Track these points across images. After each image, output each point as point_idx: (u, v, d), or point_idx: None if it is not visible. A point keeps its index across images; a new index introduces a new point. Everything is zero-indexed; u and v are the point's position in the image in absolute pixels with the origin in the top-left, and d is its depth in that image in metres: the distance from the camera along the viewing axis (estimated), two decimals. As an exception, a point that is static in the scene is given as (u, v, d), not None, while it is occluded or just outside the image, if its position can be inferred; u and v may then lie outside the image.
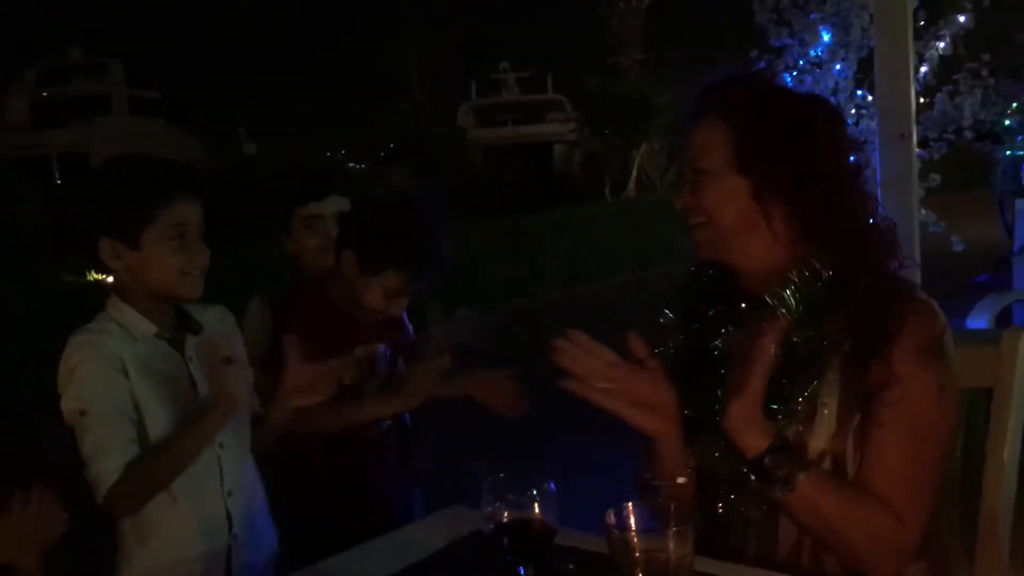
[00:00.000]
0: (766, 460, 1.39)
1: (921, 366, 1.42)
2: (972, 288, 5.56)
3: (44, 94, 24.54)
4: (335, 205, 2.44)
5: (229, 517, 1.84)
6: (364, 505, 2.22)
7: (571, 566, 1.37)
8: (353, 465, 2.25)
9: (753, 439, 1.40)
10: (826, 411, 1.45)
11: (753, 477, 1.42)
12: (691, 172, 1.56)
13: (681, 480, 1.46)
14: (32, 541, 1.58)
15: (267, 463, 2.00)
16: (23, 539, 1.58)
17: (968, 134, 4.86)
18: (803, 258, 1.48)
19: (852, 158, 1.57)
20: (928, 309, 1.49)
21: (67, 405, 1.73)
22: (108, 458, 1.68)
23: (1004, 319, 4.41)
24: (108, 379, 1.73)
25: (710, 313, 1.57)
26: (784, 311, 1.47)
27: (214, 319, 1.92)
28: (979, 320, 4.00)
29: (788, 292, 1.47)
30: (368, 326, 2.25)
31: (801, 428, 1.45)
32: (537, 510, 1.23)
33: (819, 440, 1.45)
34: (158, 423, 1.76)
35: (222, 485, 1.83)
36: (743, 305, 1.54)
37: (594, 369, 1.41)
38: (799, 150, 1.49)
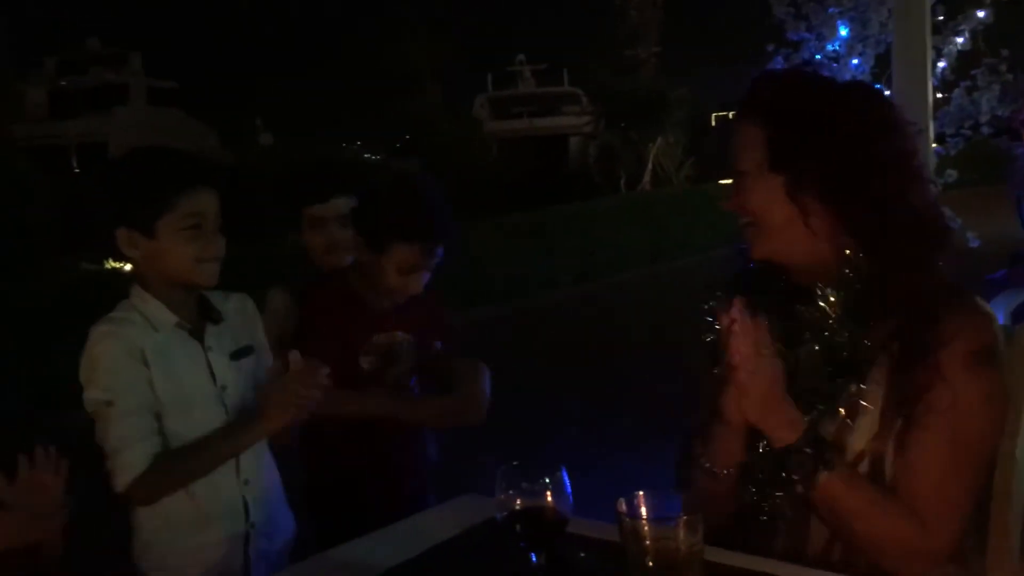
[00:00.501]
0: (790, 454, 1.40)
1: (969, 374, 1.41)
2: (987, 284, 5.52)
3: (63, 84, 24.67)
4: (339, 207, 2.45)
5: (246, 505, 1.86)
6: (388, 491, 2.24)
7: (582, 554, 1.39)
8: (376, 449, 2.26)
9: (779, 431, 1.41)
10: (869, 412, 1.45)
11: (778, 472, 1.42)
12: (735, 174, 1.57)
13: (729, 471, 1.47)
14: (50, 509, 1.59)
15: (287, 450, 2.03)
16: (41, 508, 1.58)
17: (985, 130, 4.83)
18: (848, 254, 1.48)
19: (898, 144, 1.51)
20: (981, 313, 1.48)
21: (92, 395, 1.75)
22: (134, 450, 1.71)
23: (1020, 315, 4.38)
24: (132, 370, 1.76)
25: (758, 303, 1.53)
26: (825, 306, 1.47)
27: (235, 307, 1.94)
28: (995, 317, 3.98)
29: (829, 287, 1.47)
30: (388, 314, 2.26)
31: (842, 426, 1.45)
32: (549, 498, 1.24)
33: (860, 440, 1.45)
34: (176, 412, 1.79)
35: (238, 475, 1.85)
36: (790, 297, 1.53)
37: (746, 349, 1.40)
38: (830, 144, 1.48)
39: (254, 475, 1.88)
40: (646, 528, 1.14)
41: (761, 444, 1.46)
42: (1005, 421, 1.52)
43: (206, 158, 1.97)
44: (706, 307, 1.56)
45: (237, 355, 1.89)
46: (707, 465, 1.49)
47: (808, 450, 1.40)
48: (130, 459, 1.71)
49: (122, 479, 1.72)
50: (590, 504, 1.38)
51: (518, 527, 1.25)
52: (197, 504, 1.81)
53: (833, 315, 1.47)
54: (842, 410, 1.46)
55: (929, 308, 1.43)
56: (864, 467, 1.45)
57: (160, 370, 1.78)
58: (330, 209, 2.47)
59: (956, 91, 4.73)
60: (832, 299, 1.48)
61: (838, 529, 1.45)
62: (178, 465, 1.76)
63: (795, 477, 1.41)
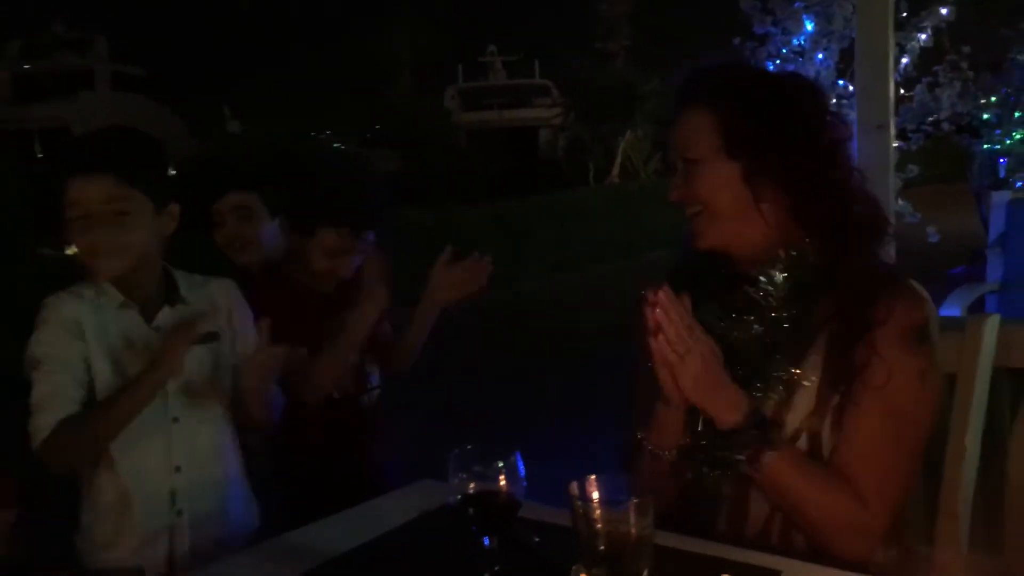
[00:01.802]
0: (735, 434, 1.42)
1: (904, 351, 1.44)
2: (949, 280, 5.61)
3: (26, 67, 24.25)
4: (233, 200, 2.44)
5: (173, 494, 1.83)
6: (355, 473, 2.25)
7: (536, 538, 1.39)
8: (346, 431, 2.27)
9: (722, 412, 1.43)
10: (806, 389, 1.47)
11: (722, 451, 1.45)
12: (682, 163, 1.57)
13: (671, 452, 1.50)
14: None
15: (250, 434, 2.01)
16: None
17: (946, 126, 4.90)
18: (794, 240, 1.51)
19: (839, 133, 1.57)
20: (914, 294, 1.51)
21: (25, 360, 1.76)
22: (46, 413, 1.71)
23: (976, 309, 4.46)
24: (63, 339, 1.75)
25: (703, 292, 1.57)
26: (770, 288, 1.50)
27: (207, 293, 1.92)
28: (952, 310, 4.05)
29: (774, 270, 1.51)
30: (333, 297, 2.26)
31: (779, 404, 1.48)
32: (503, 482, 1.25)
33: (796, 417, 1.47)
34: (108, 387, 1.77)
35: (169, 459, 1.82)
36: (731, 283, 1.56)
37: (676, 331, 1.42)
38: (785, 131, 1.51)
39: (188, 463, 1.84)
40: (597, 512, 1.15)
41: (700, 423, 1.48)
42: (939, 398, 1.55)
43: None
44: (641, 295, 1.58)
45: (201, 340, 1.82)
46: (650, 447, 1.51)
47: (752, 430, 1.42)
48: (43, 420, 1.71)
49: (35, 439, 1.71)
50: (557, 491, 1.39)
51: (471, 511, 1.25)
52: (121, 486, 1.79)
53: (776, 297, 1.50)
54: (780, 388, 1.48)
55: (866, 289, 1.47)
56: (801, 444, 1.48)
57: (96, 346, 1.77)
58: (224, 203, 2.45)
59: (918, 87, 4.79)
60: (777, 281, 1.51)
61: (780, 507, 1.47)
62: (83, 425, 1.73)
63: (740, 457, 1.43)
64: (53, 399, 1.72)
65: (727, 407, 1.43)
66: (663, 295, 1.41)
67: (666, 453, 1.50)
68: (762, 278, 1.52)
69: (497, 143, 21.12)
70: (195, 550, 1.84)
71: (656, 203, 13.20)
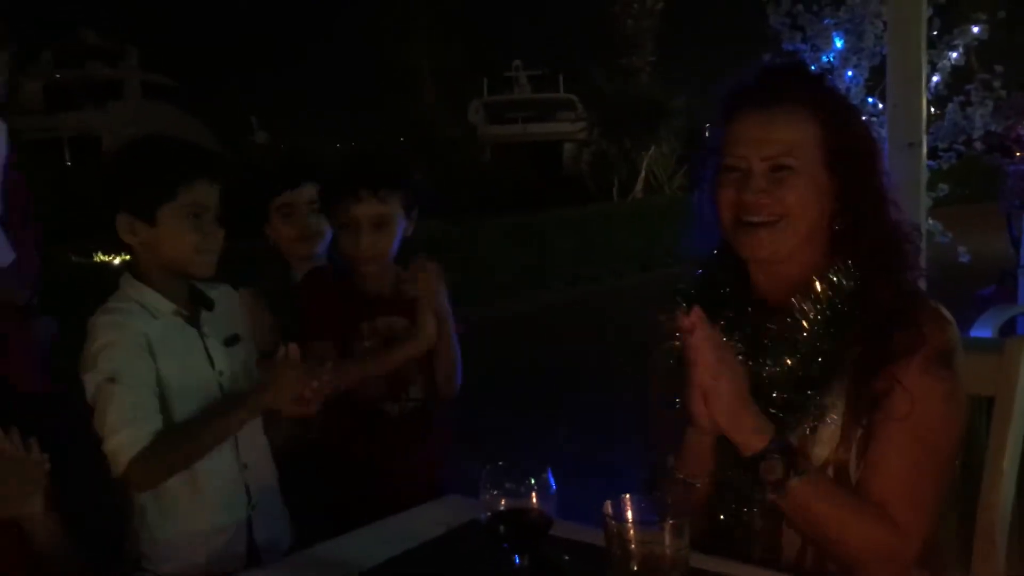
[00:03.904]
0: (761, 462, 1.39)
1: (929, 376, 1.41)
2: (976, 300, 5.54)
3: (57, 76, 24.58)
4: (309, 193, 2.44)
5: (248, 490, 1.86)
6: (384, 484, 2.23)
7: (566, 557, 1.38)
8: (371, 444, 2.25)
9: (747, 438, 1.40)
10: (832, 419, 1.45)
11: (747, 478, 1.42)
12: (771, 168, 1.47)
13: (699, 483, 1.46)
14: (31, 483, 1.58)
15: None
16: (22, 482, 1.57)
17: (978, 145, 4.84)
18: (828, 267, 1.48)
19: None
20: (940, 318, 1.48)
21: (94, 379, 1.73)
22: (135, 427, 1.69)
23: (1007, 332, 4.40)
24: (136, 353, 1.75)
25: (723, 317, 1.53)
26: (805, 323, 1.46)
27: (221, 297, 1.94)
28: (983, 331, 3.99)
29: (809, 302, 1.47)
30: (381, 300, 2.24)
31: (804, 437, 1.44)
32: (534, 500, 1.23)
33: (823, 449, 1.45)
34: (179, 398, 1.78)
35: (238, 459, 1.85)
36: (753, 309, 1.53)
37: (710, 355, 1.38)
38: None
39: (253, 460, 1.88)
40: (632, 531, 1.13)
41: (728, 455, 1.44)
42: (964, 420, 1.52)
43: (210, 151, 1.98)
44: (663, 317, 1.53)
45: (229, 342, 1.90)
46: (681, 476, 1.48)
47: (777, 456, 1.39)
48: (131, 437, 1.68)
49: (122, 458, 1.68)
50: (577, 508, 1.37)
51: (502, 528, 1.24)
52: (199, 489, 1.79)
53: (810, 330, 1.46)
54: (807, 421, 1.45)
55: (891, 317, 1.44)
56: (829, 475, 1.45)
57: (163, 358, 1.78)
58: (299, 195, 2.46)
59: (950, 106, 4.74)
60: (811, 314, 1.47)
61: (810, 535, 1.44)
62: (177, 444, 1.73)
63: (766, 484, 1.39)
64: (138, 412, 1.70)
65: (752, 433, 1.40)
66: (696, 317, 1.37)
67: (698, 483, 1.46)
68: (802, 309, 1.47)
69: (521, 157, 21.15)
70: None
71: (679, 218, 13.16)
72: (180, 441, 1.73)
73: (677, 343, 1.52)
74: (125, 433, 1.68)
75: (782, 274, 1.52)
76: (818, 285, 1.48)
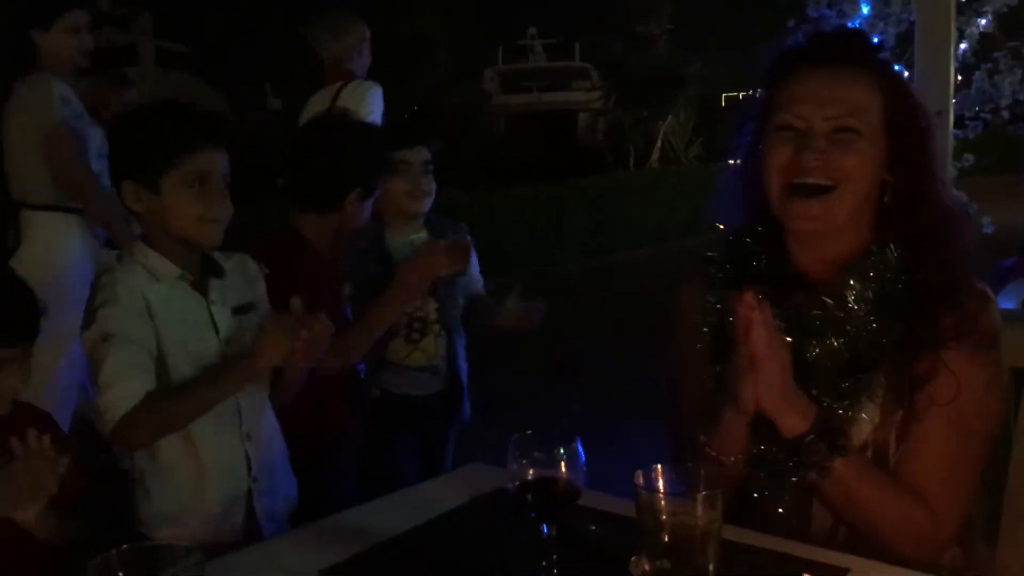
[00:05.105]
0: (803, 443, 1.36)
1: (972, 363, 1.38)
2: (997, 271, 5.48)
3: (71, 43, 24.50)
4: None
5: (248, 460, 1.84)
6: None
7: (593, 527, 1.36)
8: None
9: (792, 420, 1.36)
10: (872, 402, 1.42)
11: (789, 460, 1.39)
12: (833, 128, 1.40)
13: (735, 459, 1.43)
14: (31, 493, 1.56)
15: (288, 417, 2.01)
16: (18, 490, 1.55)
17: (1006, 114, 4.76)
18: (875, 244, 1.43)
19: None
20: (986, 299, 1.44)
21: (90, 335, 1.72)
22: (127, 384, 1.67)
23: (1031, 304, 4.34)
24: (133, 311, 1.73)
25: (760, 295, 1.43)
26: (854, 303, 1.41)
27: (235, 266, 1.92)
28: (1005, 303, 3.94)
29: (858, 280, 1.42)
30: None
31: (844, 418, 1.41)
32: (563, 469, 1.21)
33: (862, 431, 1.42)
34: (179, 363, 1.76)
35: (240, 428, 1.83)
36: (796, 287, 1.47)
37: (764, 336, 1.33)
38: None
39: (256, 431, 1.86)
40: (663, 502, 1.11)
41: (763, 433, 1.41)
42: (1004, 406, 1.50)
43: (216, 117, 1.95)
44: (709, 296, 1.49)
45: (239, 310, 1.88)
46: (713, 453, 1.44)
47: (819, 438, 1.36)
48: (122, 392, 1.66)
49: (111, 414, 1.66)
50: (595, 478, 1.36)
51: (530, 497, 1.22)
52: (199, 458, 1.78)
53: (858, 309, 1.42)
54: (848, 403, 1.42)
55: (937, 298, 1.40)
56: (868, 457, 1.42)
57: (164, 321, 1.76)
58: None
59: (977, 74, 4.64)
60: (862, 292, 1.41)
61: (847, 516, 1.42)
62: (168, 404, 1.71)
63: (810, 465, 1.37)
64: (132, 370, 1.69)
65: (796, 415, 1.37)
66: (751, 297, 1.32)
67: (731, 460, 1.43)
68: (852, 288, 1.41)
69: (536, 126, 21.02)
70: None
71: (696, 188, 13.07)
72: (171, 401, 1.71)
73: (710, 318, 1.49)
74: (116, 389, 1.67)
75: (826, 249, 1.47)
76: (871, 265, 1.42)
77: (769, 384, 1.34)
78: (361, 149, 2.36)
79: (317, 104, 4.14)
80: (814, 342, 1.43)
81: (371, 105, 4.10)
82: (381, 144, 2.47)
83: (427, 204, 2.57)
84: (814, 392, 1.41)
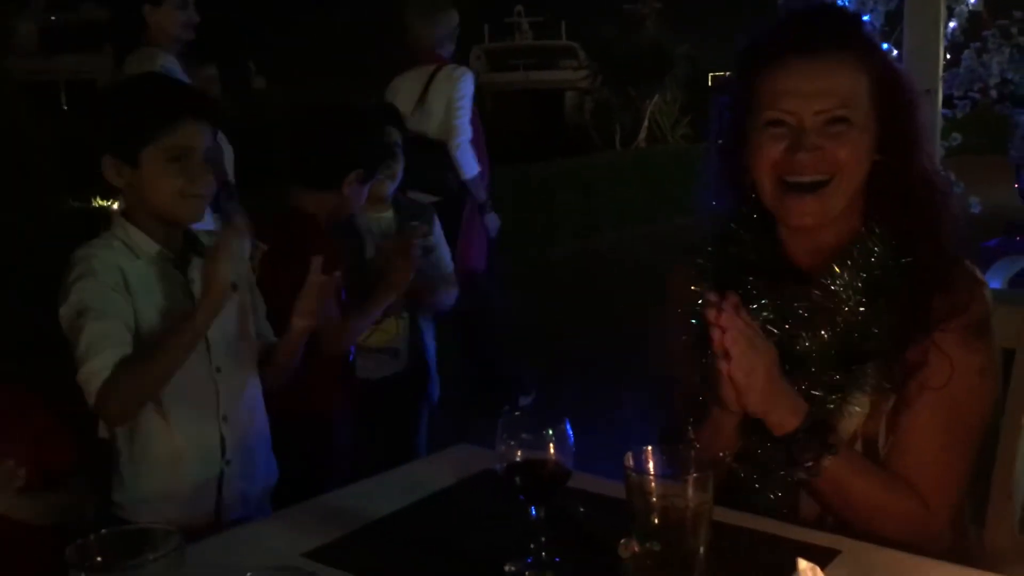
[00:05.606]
0: (794, 442, 1.33)
1: (968, 348, 1.36)
2: (982, 252, 5.50)
3: (52, 19, 24.22)
4: (392, 135, 2.73)
5: (223, 443, 1.82)
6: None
7: (582, 509, 1.35)
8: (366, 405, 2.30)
9: (780, 417, 1.33)
10: (863, 392, 1.39)
11: (779, 457, 1.37)
12: (825, 121, 1.36)
13: (724, 455, 1.41)
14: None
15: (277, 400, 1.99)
16: None
17: (994, 93, 4.75)
18: (867, 232, 1.40)
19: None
20: (975, 282, 1.41)
21: (66, 311, 1.70)
22: (102, 355, 1.65)
23: (1016, 284, 4.36)
24: (110, 287, 1.71)
25: (750, 286, 1.44)
26: (845, 294, 1.38)
27: None
28: (993, 282, 3.96)
29: (845, 269, 1.39)
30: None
31: (833, 408, 1.39)
32: (552, 451, 1.20)
33: (852, 422, 1.40)
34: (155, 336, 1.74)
35: (218, 411, 1.81)
36: (786, 278, 1.44)
37: (742, 350, 1.27)
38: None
39: (235, 413, 1.84)
40: (653, 484, 1.10)
41: (751, 431, 1.39)
42: (997, 391, 1.48)
43: (197, 90, 1.92)
44: (694, 288, 1.44)
45: None
46: (701, 448, 1.41)
47: (810, 435, 1.33)
48: (98, 364, 1.64)
49: (91, 386, 1.65)
50: (586, 459, 1.34)
51: (518, 479, 1.21)
52: (172, 437, 1.77)
53: (849, 300, 1.39)
54: (837, 395, 1.39)
55: (928, 285, 1.37)
56: (857, 448, 1.41)
57: (142, 298, 1.74)
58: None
59: (966, 53, 4.62)
60: (852, 283, 1.38)
61: (837, 511, 1.40)
62: (141, 362, 1.67)
63: (802, 463, 1.34)
64: (105, 341, 1.66)
65: (785, 412, 1.33)
66: (731, 307, 1.25)
67: (722, 455, 1.40)
68: (843, 279, 1.38)
69: (523, 105, 20.93)
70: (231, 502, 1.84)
71: (684, 168, 13.06)
72: (143, 360, 1.68)
73: (697, 308, 1.45)
74: (93, 362, 1.65)
75: (819, 240, 1.44)
76: (856, 252, 1.39)
77: (750, 388, 1.29)
78: (364, 132, 2.41)
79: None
80: (804, 334, 1.40)
81: (463, 89, 4.29)
82: (383, 132, 2.50)
83: (391, 187, 2.66)
84: (804, 386, 1.38)
